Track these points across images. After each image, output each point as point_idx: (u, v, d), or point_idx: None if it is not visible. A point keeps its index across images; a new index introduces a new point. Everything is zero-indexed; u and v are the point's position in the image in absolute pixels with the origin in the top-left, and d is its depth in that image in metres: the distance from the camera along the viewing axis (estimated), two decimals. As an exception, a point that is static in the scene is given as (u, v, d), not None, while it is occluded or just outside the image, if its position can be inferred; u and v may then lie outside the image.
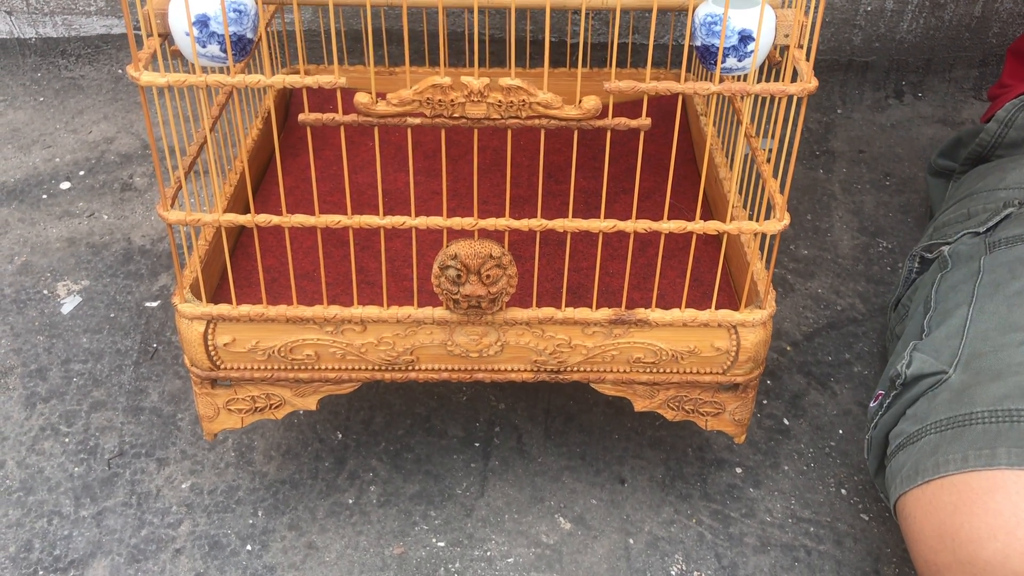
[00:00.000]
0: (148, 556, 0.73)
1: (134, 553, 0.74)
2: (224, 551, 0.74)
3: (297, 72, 0.94)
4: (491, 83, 0.54)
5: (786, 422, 0.85)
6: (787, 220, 0.61)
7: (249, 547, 0.74)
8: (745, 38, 0.56)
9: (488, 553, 0.74)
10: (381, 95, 0.55)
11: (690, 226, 0.60)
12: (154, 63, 0.62)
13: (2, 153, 1.07)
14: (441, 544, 0.75)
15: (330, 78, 0.54)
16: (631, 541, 0.75)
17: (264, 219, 0.59)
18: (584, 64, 1.12)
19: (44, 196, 1.03)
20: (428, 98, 0.54)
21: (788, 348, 0.90)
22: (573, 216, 0.63)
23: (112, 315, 0.92)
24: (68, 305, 0.92)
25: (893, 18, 1.10)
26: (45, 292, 0.93)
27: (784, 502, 0.78)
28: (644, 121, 0.56)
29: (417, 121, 0.55)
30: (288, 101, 0.94)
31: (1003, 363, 0.64)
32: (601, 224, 0.60)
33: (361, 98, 0.55)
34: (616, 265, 0.72)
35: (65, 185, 1.04)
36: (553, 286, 0.70)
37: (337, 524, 0.76)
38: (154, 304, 0.92)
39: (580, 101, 0.55)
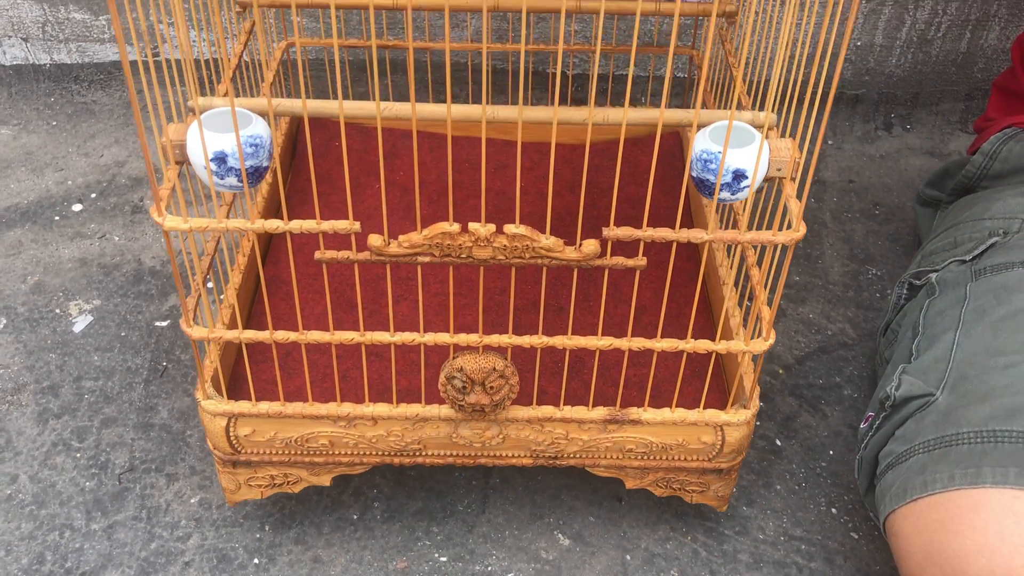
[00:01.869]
0: (158, 569, 0.75)
1: (144, 566, 0.75)
2: (232, 564, 0.76)
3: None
4: (497, 231, 0.58)
5: (778, 443, 0.87)
6: (773, 339, 0.66)
7: (256, 560, 0.76)
8: (739, 176, 0.59)
9: (489, 568, 0.76)
10: (393, 236, 0.60)
11: (681, 345, 0.66)
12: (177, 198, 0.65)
13: (16, 175, 1.10)
14: (443, 559, 0.77)
15: (345, 224, 0.59)
16: (628, 557, 0.77)
17: (282, 336, 0.65)
18: (581, 95, 1.15)
19: (57, 218, 1.05)
20: (437, 243, 0.59)
21: (780, 371, 0.93)
22: (573, 318, 0.68)
23: (123, 334, 0.94)
24: (80, 324, 0.95)
25: (882, 53, 1.14)
26: (57, 311, 0.96)
27: (776, 520, 0.80)
28: (640, 261, 0.62)
29: (427, 259, 0.60)
30: (295, 139, 0.97)
31: (988, 386, 0.67)
32: (599, 342, 0.65)
33: (374, 241, 0.59)
34: (615, 355, 0.77)
35: (77, 207, 1.07)
36: (552, 366, 0.75)
37: (342, 539, 0.78)
38: (163, 324, 0.95)
39: (580, 245, 0.60)
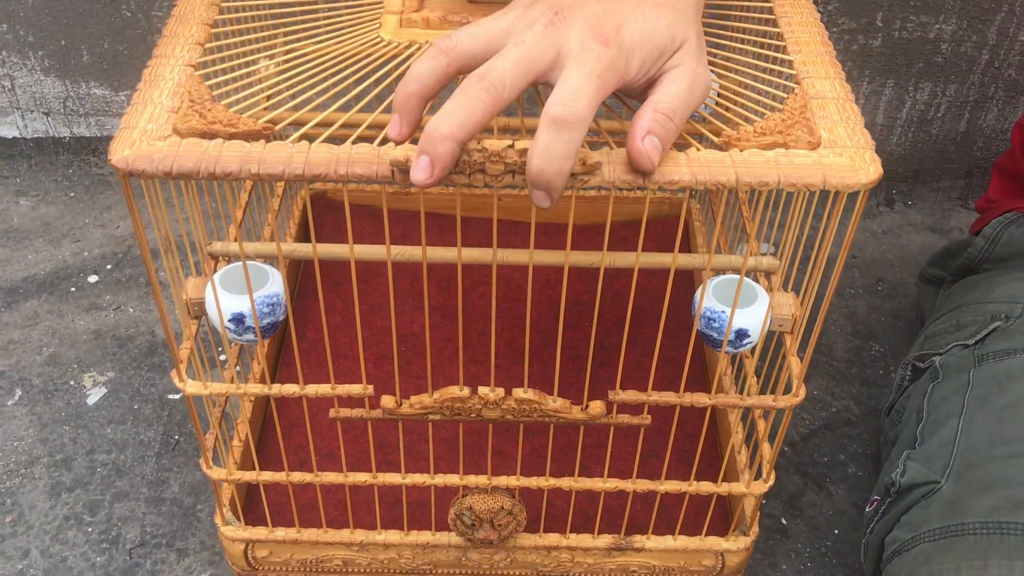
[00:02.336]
0: (168, 647, 0.76)
1: (154, 644, 0.76)
2: (241, 643, 0.76)
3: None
4: (506, 396, 0.63)
5: (784, 522, 0.88)
6: (773, 479, 0.71)
7: (266, 639, 0.76)
8: (741, 334, 0.62)
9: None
10: (405, 396, 0.64)
11: (685, 487, 0.70)
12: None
13: (34, 246, 1.12)
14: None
15: (359, 388, 0.63)
16: (636, 639, 0.77)
17: (298, 477, 0.69)
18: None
19: (73, 289, 1.07)
20: (448, 405, 0.63)
21: (786, 449, 0.94)
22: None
23: (136, 406, 0.95)
24: (94, 396, 0.96)
25: (883, 132, 1.16)
26: (72, 383, 0.97)
27: (783, 602, 0.81)
28: (645, 420, 0.65)
29: (437, 417, 0.64)
30: (308, 217, 1.00)
31: (992, 475, 0.67)
32: (604, 485, 0.70)
33: (387, 403, 0.63)
34: (624, 463, 0.81)
35: (93, 278, 1.08)
36: (560, 492, 0.77)
37: (351, 618, 0.78)
38: (176, 396, 0.96)
39: (587, 406, 0.64)
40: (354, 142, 0.53)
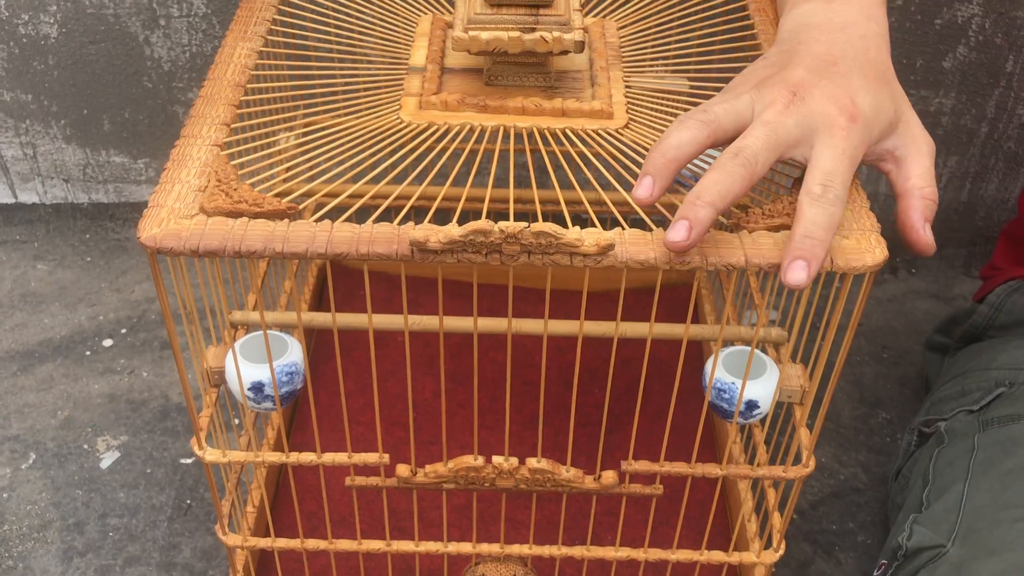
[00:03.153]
0: None
1: None
2: None
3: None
4: (519, 466, 0.64)
5: (794, 591, 0.88)
6: (783, 549, 0.72)
7: None
8: (751, 405, 0.64)
9: None
10: (420, 465, 0.66)
11: (696, 556, 0.71)
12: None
13: (50, 310, 1.13)
14: None
15: (375, 457, 0.65)
16: None
17: (312, 544, 0.71)
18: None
19: (88, 353, 1.08)
20: (462, 475, 0.65)
21: (795, 516, 0.94)
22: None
23: (148, 471, 0.96)
24: (107, 460, 0.97)
25: (887, 202, 1.18)
26: (85, 447, 0.98)
27: (794, 673, 0.81)
28: (657, 489, 0.67)
29: (451, 486, 0.65)
30: (321, 288, 1.02)
31: (998, 540, 0.68)
32: (616, 553, 0.71)
33: (402, 471, 0.65)
34: (636, 530, 0.82)
35: (108, 342, 1.10)
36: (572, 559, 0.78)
37: None
38: (188, 461, 0.97)
39: (599, 476, 0.66)
40: (376, 220, 0.55)
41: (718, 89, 0.68)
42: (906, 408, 1.06)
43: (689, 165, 0.63)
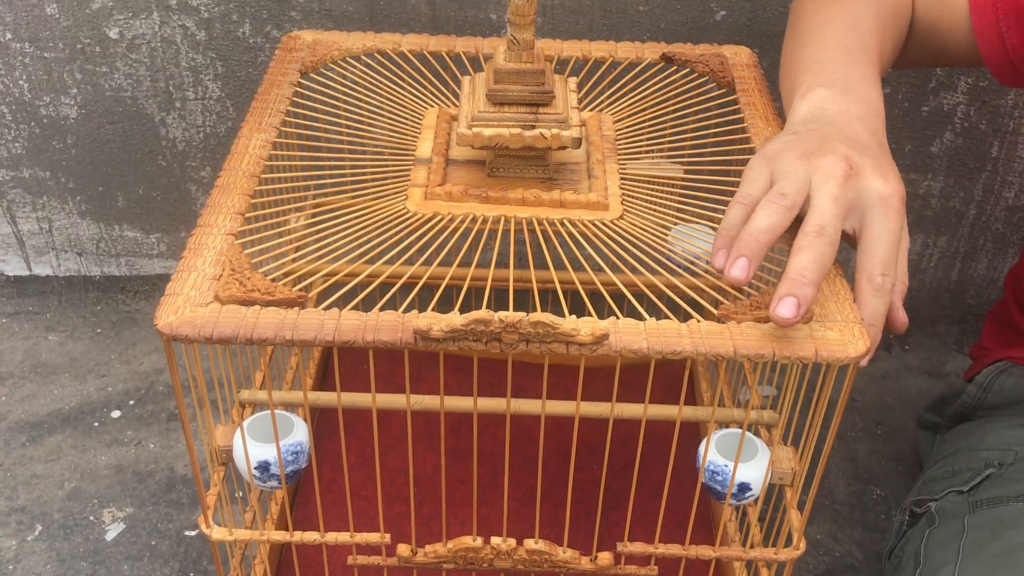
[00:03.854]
0: None
1: None
2: None
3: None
4: (517, 546, 0.66)
5: (790, 670, 0.88)
6: None
7: None
8: (743, 487, 0.67)
9: None
10: (420, 545, 0.68)
11: None
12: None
13: (60, 381, 1.16)
14: None
15: (376, 536, 0.67)
16: None
17: None
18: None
19: (96, 424, 1.10)
20: (461, 555, 0.67)
21: (790, 594, 0.95)
22: None
23: (153, 543, 0.97)
24: (112, 532, 0.98)
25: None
26: (91, 518, 0.99)
27: None
28: (652, 570, 0.69)
29: (451, 566, 0.68)
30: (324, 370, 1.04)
31: (988, 623, 0.69)
32: None
33: (403, 551, 0.68)
34: None
35: (116, 414, 1.12)
36: None
37: None
38: (192, 533, 0.98)
39: (595, 557, 0.68)
40: (382, 308, 0.58)
41: (712, 176, 0.71)
42: (900, 485, 1.07)
43: (684, 249, 0.67)
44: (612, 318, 0.58)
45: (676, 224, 0.79)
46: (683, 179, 0.83)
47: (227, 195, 0.67)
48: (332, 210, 0.68)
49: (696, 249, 0.76)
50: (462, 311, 0.56)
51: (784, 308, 0.55)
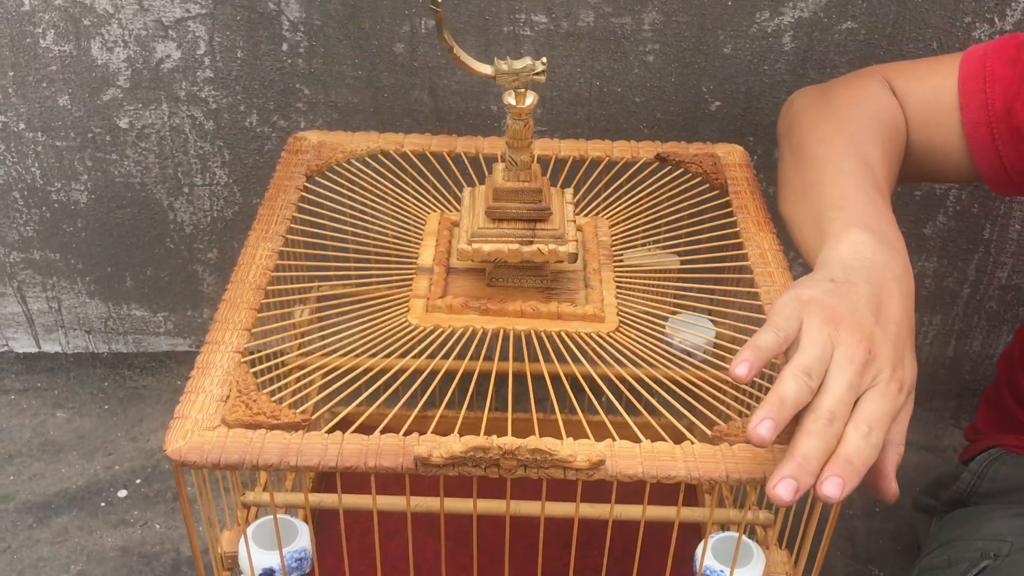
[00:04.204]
0: None
1: None
2: None
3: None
4: None
5: None
6: None
7: None
8: None
9: None
10: None
11: None
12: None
13: (67, 460, 1.17)
14: None
15: None
16: None
17: None
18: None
19: (103, 504, 1.12)
20: None
21: None
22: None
23: (158, 628, 0.98)
24: (118, 617, 1.00)
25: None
26: (97, 603, 1.01)
27: None
28: None
29: None
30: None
31: None
32: None
33: None
34: None
35: (122, 493, 1.13)
36: None
37: None
38: (197, 617, 0.99)
39: None
40: (383, 431, 0.60)
41: (706, 271, 0.73)
42: (898, 565, 1.08)
43: (681, 340, 0.70)
44: (608, 440, 0.59)
45: (674, 313, 0.82)
46: (679, 269, 0.85)
47: (234, 310, 0.69)
48: (336, 324, 0.70)
49: (694, 339, 0.78)
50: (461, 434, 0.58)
51: (782, 488, 0.56)
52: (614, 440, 0.59)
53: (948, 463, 1.21)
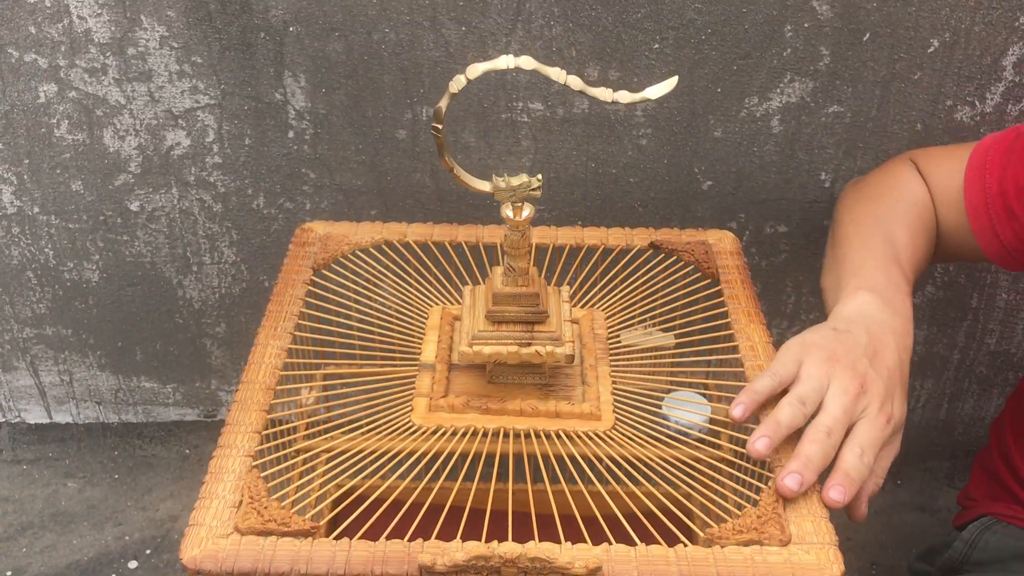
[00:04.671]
0: None
1: None
2: None
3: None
4: None
5: None
6: None
7: None
8: None
9: None
10: None
11: None
12: None
13: (79, 530, 1.20)
14: None
15: None
16: None
17: None
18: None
19: (113, 575, 1.14)
20: None
21: None
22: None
23: None
24: None
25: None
26: None
27: None
28: None
29: None
30: None
31: None
32: None
33: None
34: None
35: (133, 564, 1.16)
36: None
37: None
38: None
39: None
40: (388, 536, 0.62)
41: (700, 352, 0.80)
42: (895, 630, 1.10)
43: (677, 417, 0.73)
44: (604, 545, 0.62)
45: (670, 391, 0.84)
46: (674, 349, 0.88)
47: (245, 411, 0.72)
48: (343, 425, 0.73)
49: (689, 418, 0.81)
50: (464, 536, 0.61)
51: (790, 480, 0.65)
52: (611, 543, 0.62)
53: (943, 524, 1.24)
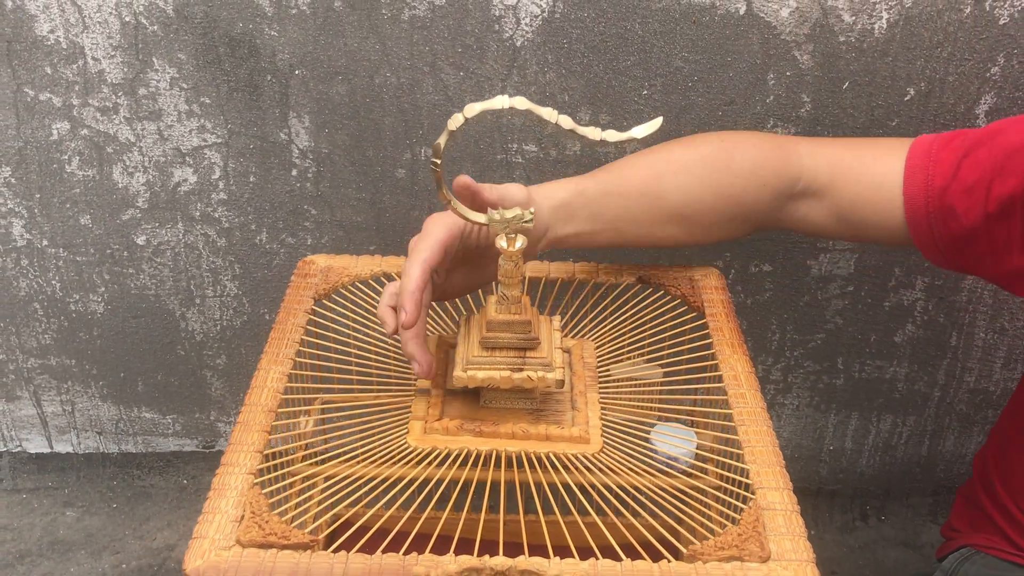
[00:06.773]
0: None
1: None
2: None
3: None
4: None
5: None
6: None
7: None
8: None
9: None
10: None
11: None
12: None
13: (76, 558, 1.22)
14: None
15: None
16: None
17: None
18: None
19: (110, 604, 1.16)
20: None
21: None
22: None
23: None
24: None
25: (852, 456, 1.28)
26: None
27: None
28: None
29: None
30: None
31: None
32: None
33: None
34: None
35: (129, 593, 1.18)
36: None
37: None
38: None
39: None
40: (384, 550, 0.65)
41: (687, 382, 0.83)
42: (878, 662, 1.12)
43: (665, 450, 0.75)
44: (592, 559, 0.65)
45: (657, 423, 0.88)
46: (662, 381, 0.91)
47: (247, 432, 0.75)
48: (340, 447, 0.76)
49: (675, 451, 0.84)
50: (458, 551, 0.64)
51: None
52: (597, 559, 0.65)
53: (926, 559, 1.26)
